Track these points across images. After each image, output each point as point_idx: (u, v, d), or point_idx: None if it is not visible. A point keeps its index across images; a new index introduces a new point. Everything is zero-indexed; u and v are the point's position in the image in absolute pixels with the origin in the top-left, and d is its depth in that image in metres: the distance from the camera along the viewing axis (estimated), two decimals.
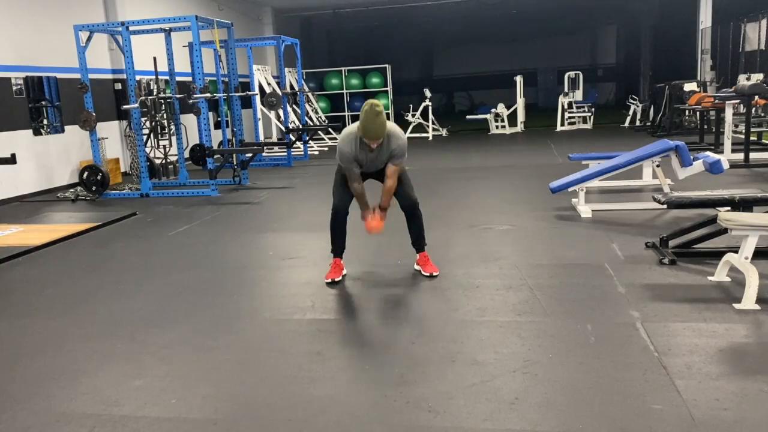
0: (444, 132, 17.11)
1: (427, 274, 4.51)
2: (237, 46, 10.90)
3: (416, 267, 4.64)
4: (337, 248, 4.59)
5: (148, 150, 10.29)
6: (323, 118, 17.02)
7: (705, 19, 16.33)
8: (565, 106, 16.88)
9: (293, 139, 12.42)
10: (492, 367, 3.05)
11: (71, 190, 9.82)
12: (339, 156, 4.29)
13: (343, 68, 18.73)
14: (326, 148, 14.99)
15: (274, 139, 16.33)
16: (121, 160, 11.41)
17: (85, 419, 2.79)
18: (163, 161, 10.84)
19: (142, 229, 6.94)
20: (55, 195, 9.60)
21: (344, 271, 4.64)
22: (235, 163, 9.92)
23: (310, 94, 16.55)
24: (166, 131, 10.94)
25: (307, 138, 13.08)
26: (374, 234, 4.55)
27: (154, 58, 10.36)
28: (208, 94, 9.13)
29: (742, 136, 9.39)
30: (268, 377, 3.12)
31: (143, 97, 10.19)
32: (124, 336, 3.76)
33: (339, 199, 4.49)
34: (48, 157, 9.97)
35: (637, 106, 17.03)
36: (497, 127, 17.01)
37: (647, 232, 5.42)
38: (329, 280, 4.51)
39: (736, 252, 3.84)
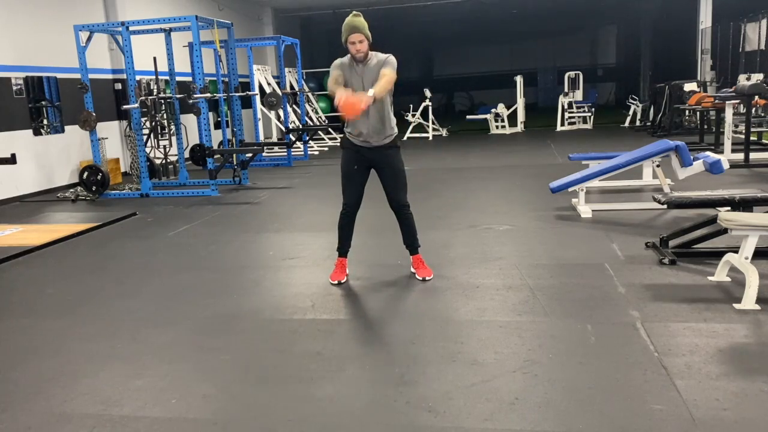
0: (444, 132, 17.12)
1: (420, 278, 4.49)
2: (237, 46, 10.89)
3: (412, 269, 4.62)
4: (343, 247, 4.56)
5: (148, 150, 10.28)
6: (323, 118, 17.02)
7: (705, 19, 16.33)
8: (565, 106, 16.89)
9: (293, 139, 12.42)
10: (492, 367, 3.05)
11: (71, 190, 9.83)
12: (331, 70, 4.28)
13: None
14: (326, 148, 15.00)
15: (274, 139, 16.33)
16: (121, 160, 11.41)
17: (85, 419, 2.79)
18: (163, 161, 10.85)
19: (142, 229, 6.94)
20: (55, 195, 9.60)
21: (347, 272, 4.63)
22: (235, 163, 9.92)
23: (310, 94, 16.55)
24: (166, 131, 10.94)
25: (307, 138, 13.09)
26: (349, 116, 3.97)
27: (154, 58, 10.35)
28: (208, 94, 9.13)
29: (742, 136, 9.39)
30: (268, 377, 3.12)
31: (143, 97, 10.19)
32: (124, 336, 3.76)
33: (349, 196, 4.42)
34: (48, 157, 9.97)
35: (637, 106, 17.04)
36: (497, 127, 17.02)
37: (647, 232, 5.42)
38: (335, 282, 4.49)
39: (736, 252, 3.84)
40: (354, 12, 4.17)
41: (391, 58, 4.18)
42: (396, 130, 4.41)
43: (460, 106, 27.62)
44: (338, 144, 4.32)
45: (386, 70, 4.11)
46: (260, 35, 17.59)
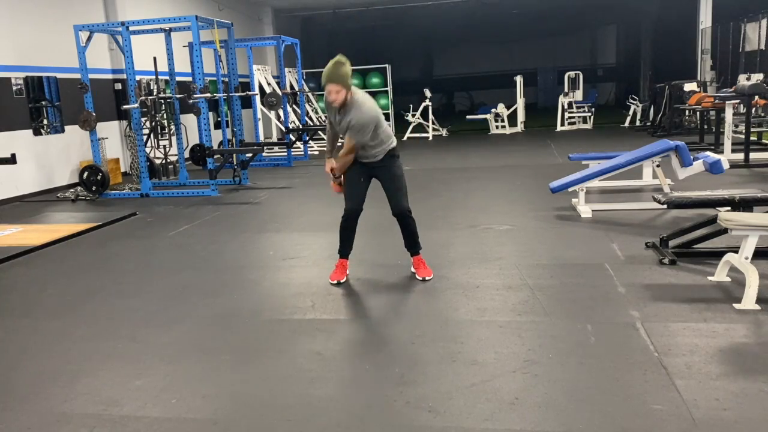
0: (444, 132, 17.12)
1: (420, 279, 4.49)
2: (237, 46, 10.90)
3: (412, 269, 4.63)
4: (345, 249, 4.56)
5: (148, 150, 10.29)
6: (323, 118, 17.01)
7: (705, 19, 16.34)
8: (565, 106, 16.89)
9: (293, 139, 12.43)
10: (492, 367, 3.05)
11: (71, 190, 9.83)
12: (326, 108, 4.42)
13: None
14: (326, 148, 14.97)
15: (274, 139, 16.33)
16: (121, 160, 11.41)
17: (85, 419, 2.79)
18: (163, 161, 10.85)
19: (142, 229, 6.94)
20: (55, 195, 9.60)
21: (347, 272, 4.63)
22: (235, 163, 9.92)
23: (310, 94, 16.55)
24: (166, 131, 10.95)
25: (307, 138, 13.09)
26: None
27: (154, 58, 10.36)
28: (208, 94, 9.13)
29: (742, 136, 9.39)
30: (268, 377, 3.12)
31: (143, 97, 10.19)
32: (125, 336, 3.76)
33: (353, 201, 4.43)
34: (48, 157, 9.97)
35: (637, 106, 17.04)
36: (497, 127, 17.02)
37: (647, 232, 5.42)
38: (335, 281, 4.50)
39: (736, 252, 3.84)
40: (338, 57, 4.08)
41: (356, 121, 4.09)
42: (392, 143, 4.39)
43: (460, 106, 27.64)
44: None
45: (347, 137, 4.18)
46: (260, 35, 17.60)
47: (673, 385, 2.78)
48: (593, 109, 17.22)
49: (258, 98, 13.17)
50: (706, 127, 12.24)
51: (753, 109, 9.71)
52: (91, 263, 5.62)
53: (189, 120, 11.56)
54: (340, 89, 4.05)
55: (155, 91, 10.95)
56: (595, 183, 6.77)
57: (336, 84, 4.04)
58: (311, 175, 10.79)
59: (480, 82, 27.66)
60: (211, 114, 12.99)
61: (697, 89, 13.49)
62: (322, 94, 4.53)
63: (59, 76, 10.19)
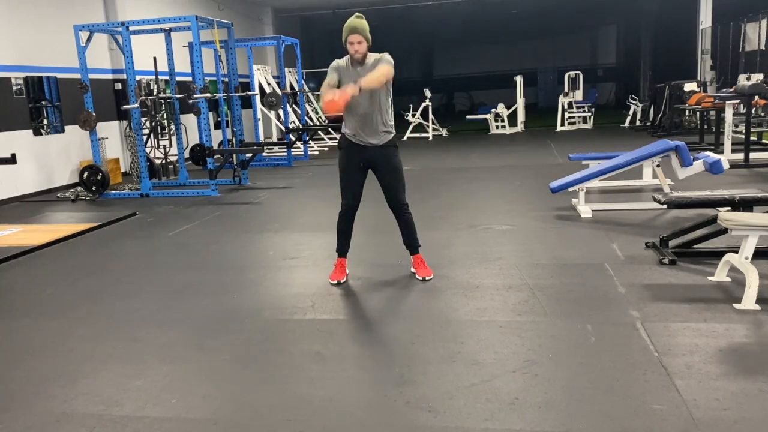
0: (444, 132, 17.12)
1: (420, 278, 4.49)
2: (237, 46, 10.89)
3: (412, 269, 4.62)
4: (343, 248, 4.57)
5: (148, 150, 10.29)
6: (323, 118, 17.03)
7: (705, 19, 16.34)
8: (565, 106, 16.89)
9: (293, 139, 12.43)
10: (492, 367, 3.05)
11: (71, 190, 9.83)
12: (328, 72, 4.34)
13: None
14: (326, 148, 14.99)
15: (274, 139, 16.33)
16: (121, 160, 11.41)
17: (85, 419, 2.79)
18: (163, 161, 10.85)
19: (142, 229, 6.94)
20: (55, 195, 9.60)
21: (347, 272, 4.63)
22: (235, 163, 9.92)
23: (310, 94, 16.55)
24: (166, 131, 10.95)
25: (307, 138, 13.09)
26: (330, 112, 4.11)
27: (154, 58, 10.36)
28: (208, 94, 9.13)
29: (742, 136, 9.39)
30: (268, 377, 3.12)
31: (143, 97, 10.20)
32: (125, 336, 3.76)
33: (350, 196, 4.43)
34: (48, 157, 9.97)
35: (637, 106, 17.04)
36: (497, 127, 17.02)
37: (647, 232, 5.42)
38: (335, 281, 4.50)
39: (736, 252, 3.84)
40: (356, 13, 4.23)
41: (387, 56, 4.23)
42: (393, 130, 4.42)
43: (460, 106, 27.63)
44: (337, 144, 4.32)
45: (381, 65, 4.16)
46: (260, 35, 17.60)
47: (673, 385, 2.78)
48: (593, 109, 17.23)
49: (258, 98, 13.17)
50: (706, 127, 12.24)
51: (753, 109, 9.71)
52: (91, 263, 5.62)
53: (189, 120, 11.56)
54: (362, 40, 4.17)
55: (155, 91, 10.95)
56: (595, 183, 6.77)
57: (358, 35, 4.16)
58: (311, 175, 10.79)
59: (480, 82, 27.64)
60: (211, 114, 13.00)
61: (697, 89, 13.48)
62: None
63: (59, 76, 10.19)
